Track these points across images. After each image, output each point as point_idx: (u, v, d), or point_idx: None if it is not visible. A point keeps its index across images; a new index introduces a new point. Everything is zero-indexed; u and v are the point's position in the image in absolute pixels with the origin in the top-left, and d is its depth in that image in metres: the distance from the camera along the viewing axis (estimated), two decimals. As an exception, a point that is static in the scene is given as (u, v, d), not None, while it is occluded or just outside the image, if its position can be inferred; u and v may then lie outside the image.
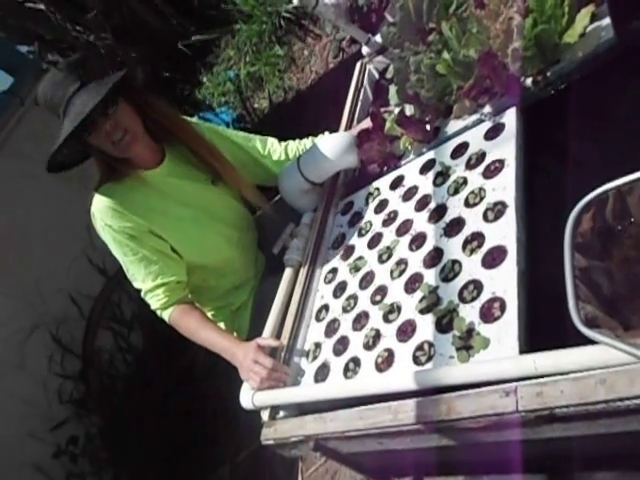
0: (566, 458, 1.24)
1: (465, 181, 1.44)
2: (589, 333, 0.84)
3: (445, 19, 1.59)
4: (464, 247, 1.30)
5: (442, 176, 1.53)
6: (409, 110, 1.74)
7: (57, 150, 1.62)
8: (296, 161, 1.90)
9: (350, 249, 1.69)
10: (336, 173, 1.95)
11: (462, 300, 1.22)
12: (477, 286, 1.21)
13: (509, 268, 1.17)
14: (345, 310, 1.53)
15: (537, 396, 0.96)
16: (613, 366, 0.88)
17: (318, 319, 1.61)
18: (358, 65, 2.33)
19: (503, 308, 1.13)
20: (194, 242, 1.86)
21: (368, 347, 1.37)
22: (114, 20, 4.15)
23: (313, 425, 1.35)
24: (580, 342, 0.89)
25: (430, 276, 1.34)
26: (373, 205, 1.72)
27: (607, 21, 1.32)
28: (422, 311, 1.30)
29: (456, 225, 1.37)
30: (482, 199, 1.35)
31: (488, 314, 1.15)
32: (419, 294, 1.34)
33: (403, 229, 1.54)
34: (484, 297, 1.18)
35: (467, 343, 1.15)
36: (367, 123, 1.87)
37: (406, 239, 1.50)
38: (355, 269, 1.60)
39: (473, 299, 1.20)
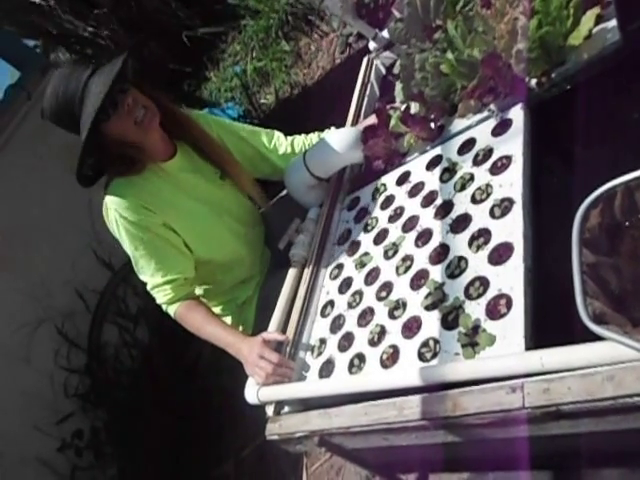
0: (573, 455, 1.23)
1: (472, 177, 1.43)
2: (597, 329, 0.83)
3: (452, 17, 1.59)
4: (470, 243, 1.30)
5: (449, 172, 1.52)
6: (414, 108, 1.74)
7: (86, 140, 1.62)
8: (302, 156, 1.90)
9: (356, 245, 1.68)
10: (342, 168, 1.94)
11: (468, 297, 1.22)
12: (483, 283, 1.21)
13: (516, 265, 1.16)
14: (350, 306, 1.53)
15: (544, 392, 0.96)
16: (621, 362, 0.88)
17: (323, 315, 1.61)
18: (365, 60, 2.33)
19: (509, 305, 1.12)
20: (203, 236, 1.87)
21: (373, 343, 1.37)
22: (121, 15, 4.15)
23: (318, 420, 1.35)
24: (588, 338, 0.89)
25: (436, 272, 1.34)
26: (379, 201, 1.72)
27: (613, 23, 1.31)
28: (428, 307, 1.29)
29: (462, 221, 1.36)
30: (489, 195, 1.34)
31: (494, 311, 1.14)
32: (425, 290, 1.33)
33: (409, 225, 1.53)
34: (490, 294, 1.17)
35: (473, 340, 1.14)
36: (372, 119, 1.86)
37: (412, 235, 1.50)
38: (361, 265, 1.60)
39: (479, 296, 1.20)
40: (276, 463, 2.40)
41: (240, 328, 1.97)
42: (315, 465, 2.25)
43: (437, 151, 1.63)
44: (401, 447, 1.32)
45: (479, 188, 1.38)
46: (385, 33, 2.23)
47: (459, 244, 1.33)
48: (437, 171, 1.57)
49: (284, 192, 2.06)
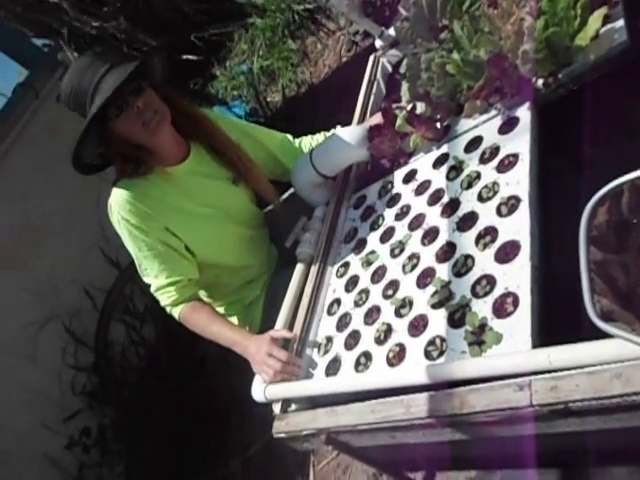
0: (581, 453, 1.23)
1: (479, 175, 1.43)
2: (605, 327, 0.83)
3: (458, 16, 1.59)
4: (477, 242, 1.30)
5: (455, 170, 1.52)
6: (420, 108, 1.73)
7: (85, 131, 1.62)
8: (309, 154, 1.89)
9: (362, 243, 1.68)
10: (348, 167, 1.94)
11: (475, 295, 1.21)
12: (490, 281, 1.21)
13: (522, 263, 1.16)
14: (357, 304, 1.53)
15: (551, 390, 0.96)
16: (629, 360, 0.88)
17: (330, 313, 1.61)
18: (371, 58, 2.33)
19: (516, 303, 1.12)
20: (210, 241, 1.87)
21: (379, 342, 1.37)
22: (129, 13, 4.15)
23: (325, 418, 1.35)
24: (595, 336, 0.88)
25: (442, 271, 1.34)
26: (386, 199, 1.72)
27: (620, 23, 1.31)
28: (434, 306, 1.29)
29: (469, 219, 1.36)
30: (496, 193, 1.34)
31: (501, 309, 1.14)
32: (431, 289, 1.33)
33: (416, 223, 1.53)
34: (497, 292, 1.17)
35: (479, 338, 1.14)
36: (379, 117, 1.86)
37: (418, 233, 1.50)
38: (367, 263, 1.60)
39: (486, 294, 1.19)
40: (283, 461, 2.40)
41: (247, 328, 1.97)
42: (322, 463, 2.26)
43: (443, 149, 1.63)
44: (408, 445, 1.32)
45: (486, 186, 1.38)
46: (391, 31, 2.23)
47: (466, 242, 1.33)
48: (444, 169, 1.57)
49: (291, 190, 2.06)
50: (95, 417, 3.18)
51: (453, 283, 1.29)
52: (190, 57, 4.47)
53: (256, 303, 2.02)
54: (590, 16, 1.31)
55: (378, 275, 1.54)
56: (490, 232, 1.28)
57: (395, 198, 1.68)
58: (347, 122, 2.12)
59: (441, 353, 1.20)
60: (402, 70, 2.05)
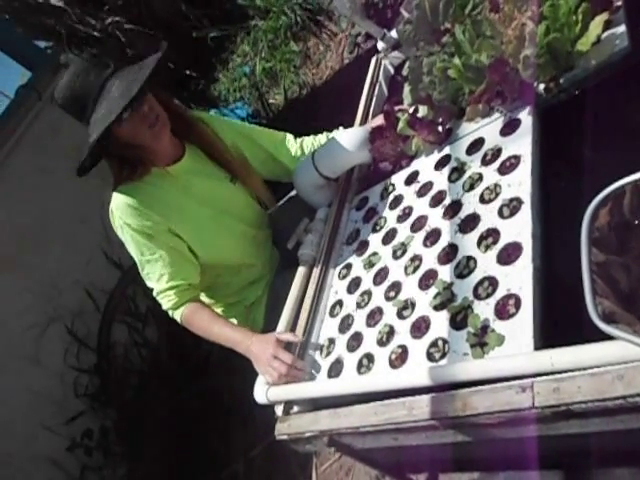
0: (583, 454, 1.23)
1: (480, 177, 1.43)
2: (607, 328, 0.83)
3: (460, 20, 1.59)
4: (479, 243, 1.30)
5: (457, 172, 1.52)
6: (422, 111, 1.73)
7: (95, 143, 1.61)
8: (311, 156, 1.90)
9: (364, 245, 1.68)
10: (350, 168, 1.95)
11: (477, 297, 1.21)
12: (492, 283, 1.20)
13: (524, 265, 1.16)
14: (359, 306, 1.53)
15: (554, 392, 0.96)
16: (631, 361, 0.87)
17: (332, 315, 1.61)
18: (373, 60, 2.33)
19: (518, 305, 1.12)
20: (212, 240, 1.87)
21: (382, 343, 1.37)
22: (131, 15, 4.16)
23: (327, 420, 1.35)
24: (597, 338, 0.88)
25: (445, 272, 1.34)
26: (388, 201, 1.72)
27: (622, 29, 1.30)
28: (436, 307, 1.29)
29: (471, 221, 1.36)
30: (497, 195, 1.34)
31: (503, 311, 1.14)
32: (433, 290, 1.33)
33: (418, 225, 1.53)
34: (499, 294, 1.17)
35: (482, 340, 1.14)
36: (381, 119, 1.86)
37: (421, 235, 1.49)
38: (369, 265, 1.60)
39: (488, 296, 1.19)
40: (285, 463, 2.40)
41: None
42: (324, 465, 2.26)
43: (446, 151, 1.63)
44: (411, 447, 1.32)
45: (488, 188, 1.38)
46: (393, 33, 2.23)
47: (468, 244, 1.33)
48: (446, 171, 1.57)
49: (293, 192, 2.06)
50: (97, 419, 3.18)
51: (455, 285, 1.29)
52: (192, 59, 4.48)
53: (258, 304, 2.03)
54: (591, 21, 1.31)
55: (380, 277, 1.54)
56: (492, 234, 1.28)
57: (397, 200, 1.68)
58: (349, 123, 2.12)
59: (443, 355, 1.20)
60: (404, 73, 2.06)
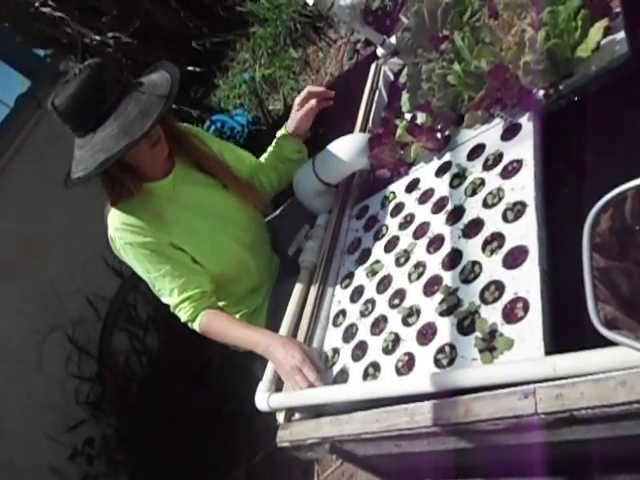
0: (586, 461, 1.22)
1: (483, 182, 1.43)
2: (609, 334, 0.83)
3: (459, 27, 1.59)
4: (484, 248, 1.29)
5: (459, 178, 1.52)
6: (421, 118, 1.73)
7: (102, 165, 1.58)
8: (311, 162, 1.90)
9: (366, 253, 1.68)
10: (351, 175, 1.95)
11: (483, 301, 1.21)
12: (498, 287, 1.20)
13: (531, 268, 1.16)
14: (363, 315, 1.52)
15: (556, 398, 0.95)
16: (634, 367, 0.87)
17: (335, 324, 1.60)
18: (373, 67, 2.33)
19: (526, 308, 1.12)
20: (210, 250, 1.87)
21: (388, 351, 1.36)
22: (130, 24, 4.18)
23: (329, 427, 1.35)
24: (600, 343, 0.88)
25: (449, 278, 1.33)
26: (389, 209, 1.71)
27: (621, 35, 1.31)
28: (442, 313, 1.29)
29: (475, 226, 1.36)
30: (501, 199, 1.34)
31: (511, 315, 1.14)
32: (439, 296, 1.32)
33: (420, 232, 1.53)
34: (506, 298, 1.17)
35: (490, 344, 1.13)
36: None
37: (424, 242, 1.49)
38: (372, 273, 1.59)
39: (495, 300, 1.19)
40: (287, 470, 2.39)
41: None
42: (326, 472, 2.25)
43: (446, 158, 1.63)
44: (413, 454, 1.31)
45: (490, 192, 1.38)
46: (393, 39, 2.23)
47: (472, 249, 1.32)
48: (447, 177, 1.57)
49: (293, 198, 2.06)
50: (99, 427, 3.18)
51: (461, 290, 1.28)
52: (192, 66, 4.49)
53: (259, 312, 2.02)
54: (591, 28, 1.31)
55: (384, 285, 1.53)
56: (497, 238, 1.28)
57: (398, 207, 1.68)
58: (349, 130, 2.12)
59: (451, 361, 1.19)
60: (402, 80, 2.06)
